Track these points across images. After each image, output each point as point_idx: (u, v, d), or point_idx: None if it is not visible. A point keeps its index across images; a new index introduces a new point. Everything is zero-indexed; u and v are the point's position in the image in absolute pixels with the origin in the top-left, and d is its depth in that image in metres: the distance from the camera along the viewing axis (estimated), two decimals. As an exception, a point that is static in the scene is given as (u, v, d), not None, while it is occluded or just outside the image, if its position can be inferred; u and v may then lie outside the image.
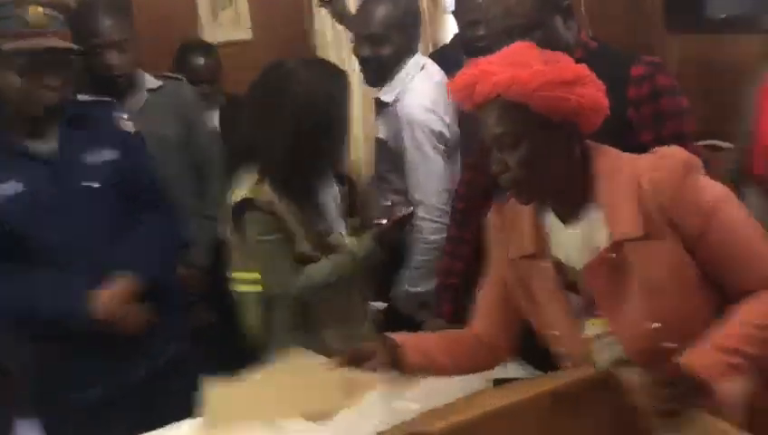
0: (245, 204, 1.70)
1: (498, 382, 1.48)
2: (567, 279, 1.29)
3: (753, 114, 1.74)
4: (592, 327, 1.28)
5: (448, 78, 2.22)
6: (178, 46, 2.67)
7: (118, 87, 2.15)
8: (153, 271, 1.84)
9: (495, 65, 1.19)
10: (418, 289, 2.08)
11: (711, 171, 1.41)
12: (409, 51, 2.18)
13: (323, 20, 3.12)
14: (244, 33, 2.99)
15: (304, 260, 1.74)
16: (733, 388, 1.08)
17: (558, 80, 1.15)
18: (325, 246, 1.77)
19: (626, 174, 1.21)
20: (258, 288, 1.79)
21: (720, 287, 1.22)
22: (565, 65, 1.19)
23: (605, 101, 1.20)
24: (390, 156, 2.17)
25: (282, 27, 3.10)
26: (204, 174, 2.37)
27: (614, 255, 1.20)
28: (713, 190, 1.21)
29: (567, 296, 1.29)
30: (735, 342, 1.11)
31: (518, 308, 1.38)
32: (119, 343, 1.79)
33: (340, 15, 2.66)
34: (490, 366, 1.47)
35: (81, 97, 1.86)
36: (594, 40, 1.65)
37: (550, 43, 1.50)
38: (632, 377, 1.17)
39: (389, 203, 1.97)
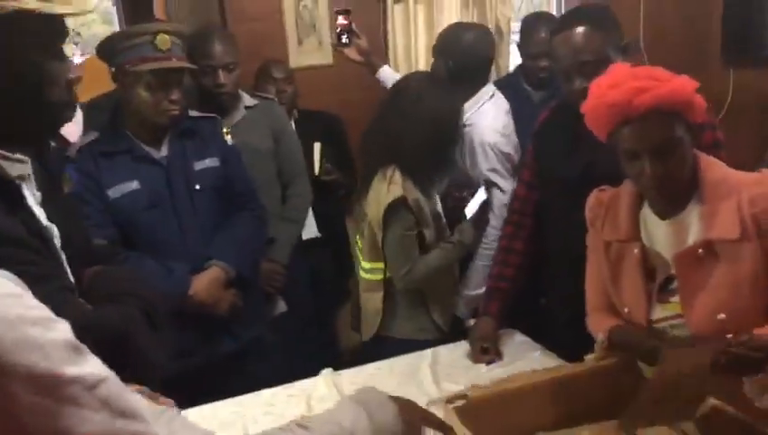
0: (400, 202, 1.91)
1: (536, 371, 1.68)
2: (650, 265, 1.42)
3: None
4: (663, 311, 1.41)
5: (510, 105, 2.45)
6: (260, 65, 2.88)
7: (222, 104, 2.42)
8: (242, 263, 2.08)
9: (645, 81, 1.28)
10: (475, 293, 2.22)
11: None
12: (483, 79, 2.40)
13: (397, 44, 3.34)
14: (326, 58, 3.21)
15: (427, 250, 1.99)
16: None
17: (695, 87, 1.30)
18: (440, 234, 2.03)
19: (730, 184, 1.32)
20: (381, 277, 2.02)
21: None
22: (685, 78, 1.31)
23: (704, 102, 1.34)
24: (458, 174, 2.33)
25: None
26: (287, 181, 2.60)
27: (701, 250, 1.32)
28: None
29: (645, 281, 1.41)
30: None
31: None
32: (210, 323, 2.04)
33: (366, 52, 2.78)
34: None
35: (192, 113, 2.14)
36: None
37: None
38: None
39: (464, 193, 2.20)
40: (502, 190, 2.27)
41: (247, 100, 2.54)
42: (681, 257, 1.35)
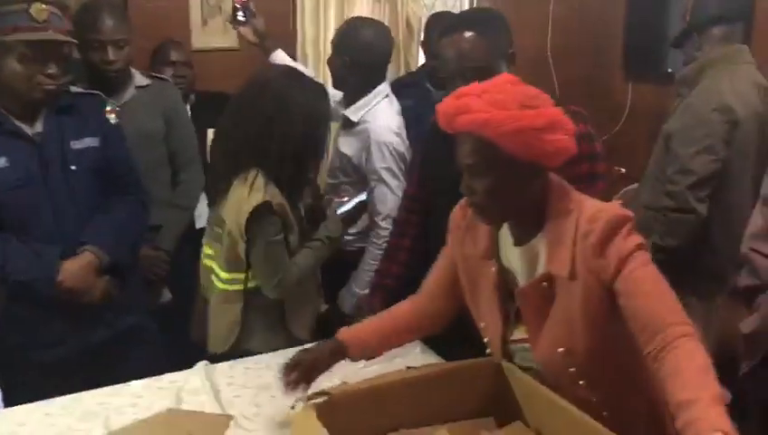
0: (264, 208, 1.78)
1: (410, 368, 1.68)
2: (507, 283, 1.41)
3: None
4: (518, 332, 1.41)
5: (409, 104, 2.46)
6: (157, 45, 2.80)
7: (110, 82, 2.30)
8: (118, 249, 1.99)
9: (475, 100, 1.25)
10: (366, 291, 2.22)
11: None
12: (380, 77, 2.39)
13: (307, 33, 3.31)
14: (231, 41, 3.11)
15: (292, 253, 1.88)
16: None
17: (529, 126, 1.22)
18: (304, 237, 1.93)
19: (571, 220, 1.29)
20: (241, 287, 1.89)
21: (629, 328, 1.24)
22: (541, 111, 1.25)
23: (572, 145, 1.28)
24: (351, 170, 2.36)
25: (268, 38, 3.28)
26: (178, 166, 2.51)
27: (545, 284, 1.31)
28: (634, 241, 1.24)
29: (502, 299, 1.41)
30: (715, 387, 1.08)
31: (460, 292, 1.50)
32: (81, 310, 1.94)
33: (262, 34, 2.69)
34: (433, 330, 1.61)
35: (73, 88, 2.02)
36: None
37: None
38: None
39: (345, 197, 2.18)
40: (392, 191, 2.26)
41: (139, 79, 2.44)
42: (524, 291, 1.35)
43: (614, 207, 1.30)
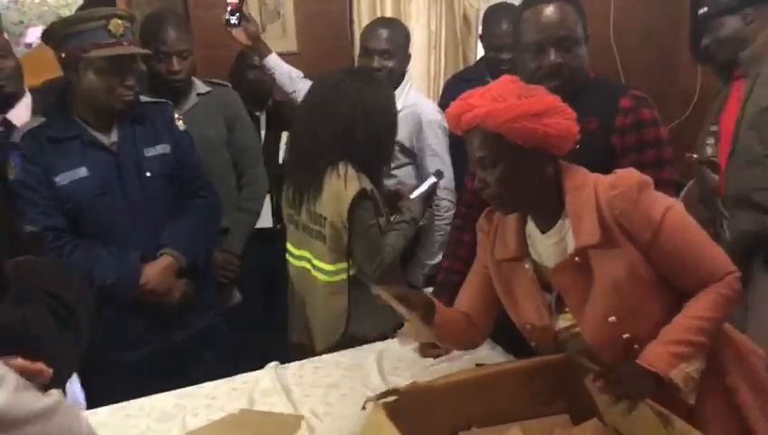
0: (362, 195, 1.90)
1: (480, 366, 1.65)
2: (543, 279, 1.44)
3: None
4: (563, 321, 1.43)
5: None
6: (239, 52, 2.86)
7: (174, 90, 2.39)
8: (194, 252, 2.07)
9: (477, 98, 1.33)
10: (434, 261, 2.40)
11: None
12: (406, 67, 2.56)
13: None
14: (290, 45, 3.17)
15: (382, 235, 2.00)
16: (679, 374, 1.25)
17: (528, 112, 1.29)
18: (387, 220, 2.03)
19: (588, 191, 1.35)
20: (345, 276, 1.98)
21: (674, 286, 1.35)
22: (538, 99, 1.33)
23: (574, 128, 1.34)
24: (405, 154, 2.48)
25: (325, 40, 3.28)
26: (242, 170, 2.57)
27: (578, 259, 1.35)
28: (661, 204, 1.34)
29: (541, 294, 1.44)
30: (681, 332, 1.28)
31: (497, 300, 1.54)
32: (161, 312, 2.03)
33: (255, 37, 2.70)
34: (474, 345, 1.64)
35: (142, 98, 2.10)
36: (592, 71, 1.77)
37: (582, 62, 1.68)
38: (589, 364, 1.36)
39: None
40: (446, 165, 2.46)
41: (200, 86, 2.51)
42: (558, 270, 1.39)
43: (632, 173, 1.36)
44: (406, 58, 2.56)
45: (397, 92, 2.38)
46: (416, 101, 2.51)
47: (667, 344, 1.28)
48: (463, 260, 1.95)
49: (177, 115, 2.15)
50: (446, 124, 2.36)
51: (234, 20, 2.67)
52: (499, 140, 1.32)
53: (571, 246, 1.38)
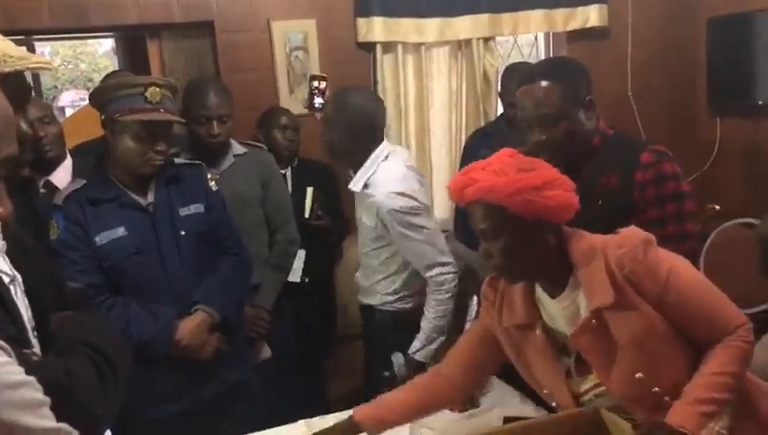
0: None
1: (508, 420, 1.68)
2: (557, 343, 1.47)
3: None
4: (585, 383, 1.45)
5: (484, 151, 2.50)
6: (266, 111, 2.98)
7: (213, 152, 2.49)
8: (227, 307, 2.11)
9: (479, 172, 1.39)
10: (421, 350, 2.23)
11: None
12: (376, 141, 2.29)
13: (387, 96, 3.37)
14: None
15: None
16: (709, 434, 1.27)
17: (528, 186, 1.34)
18: None
19: (596, 253, 1.38)
20: None
21: (690, 338, 1.38)
22: (537, 173, 1.37)
23: (573, 199, 1.38)
24: (376, 236, 2.31)
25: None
26: (275, 227, 2.64)
27: (594, 321, 1.37)
28: (666, 260, 1.37)
29: (557, 359, 1.47)
30: (706, 391, 1.31)
31: (486, 362, 1.62)
32: (194, 366, 2.05)
33: None
34: (461, 402, 1.71)
35: (177, 160, 2.19)
36: (611, 129, 1.81)
37: (575, 132, 1.71)
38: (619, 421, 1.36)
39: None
40: (424, 241, 2.23)
41: (237, 148, 2.60)
42: (576, 335, 1.40)
43: (636, 231, 1.40)
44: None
45: (359, 174, 2.27)
46: (375, 185, 2.25)
47: (695, 404, 1.30)
48: None
49: (209, 176, 2.23)
50: (409, 203, 2.19)
51: (318, 104, 2.90)
52: (501, 213, 1.36)
53: (583, 309, 1.40)
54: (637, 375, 1.35)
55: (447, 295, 2.22)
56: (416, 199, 2.22)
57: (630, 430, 1.34)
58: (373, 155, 2.28)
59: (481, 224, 1.40)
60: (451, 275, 2.22)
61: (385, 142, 2.33)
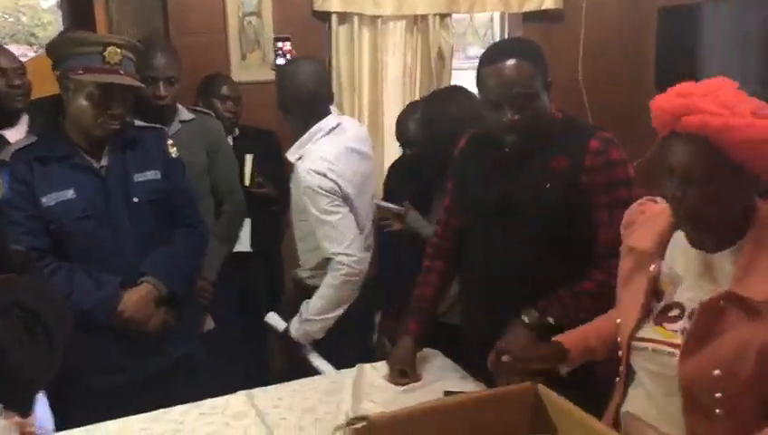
0: None
1: (448, 394, 1.71)
2: (659, 286, 1.37)
3: None
4: (654, 332, 1.35)
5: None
6: (206, 78, 2.90)
7: (159, 116, 2.41)
8: (176, 281, 2.06)
9: (704, 101, 1.19)
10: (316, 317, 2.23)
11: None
12: (316, 114, 2.25)
13: (341, 69, 3.39)
14: (269, 74, 3.19)
15: None
16: None
17: (766, 138, 1.17)
18: None
19: None
20: None
21: None
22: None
23: None
24: (300, 209, 2.31)
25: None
26: (221, 197, 2.60)
27: (723, 302, 1.24)
28: None
29: (649, 298, 1.36)
30: None
31: None
32: (138, 339, 2.00)
33: None
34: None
35: (137, 123, 2.11)
36: (560, 111, 1.82)
37: (542, 111, 1.71)
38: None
39: None
40: (333, 227, 2.21)
41: (184, 113, 2.54)
42: (707, 304, 1.26)
43: None
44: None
45: (294, 146, 2.27)
46: (303, 160, 2.23)
47: None
48: (433, 286, 2.00)
49: (170, 142, 2.16)
50: (326, 185, 2.17)
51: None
52: (721, 157, 1.19)
53: (720, 281, 1.27)
54: (715, 372, 1.23)
55: (337, 282, 2.19)
56: (335, 183, 2.18)
57: (568, 405, 1.35)
58: (314, 128, 2.24)
59: (689, 162, 1.21)
60: (347, 269, 2.18)
61: (331, 117, 2.28)
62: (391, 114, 3.57)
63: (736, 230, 1.28)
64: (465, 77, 3.91)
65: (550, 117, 1.75)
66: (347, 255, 2.19)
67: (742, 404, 1.24)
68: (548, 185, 1.72)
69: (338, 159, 2.22)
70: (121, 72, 1.92)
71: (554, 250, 1.73)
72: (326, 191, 2.18)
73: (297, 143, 2.26)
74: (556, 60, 1.74)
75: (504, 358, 1.55)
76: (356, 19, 3.36)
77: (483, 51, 1.86)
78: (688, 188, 1.24)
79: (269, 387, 1.87)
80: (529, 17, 3.74)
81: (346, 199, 2.23)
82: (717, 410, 1.24)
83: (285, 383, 1.89)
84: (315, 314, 2.23)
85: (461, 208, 1.95)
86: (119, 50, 1.91)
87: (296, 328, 2.28)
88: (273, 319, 2.36)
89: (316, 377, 1.91)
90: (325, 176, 2.17)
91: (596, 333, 1.56)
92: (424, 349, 1.99)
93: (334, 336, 2.28)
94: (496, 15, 3.93)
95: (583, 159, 1.70)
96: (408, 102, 3.12)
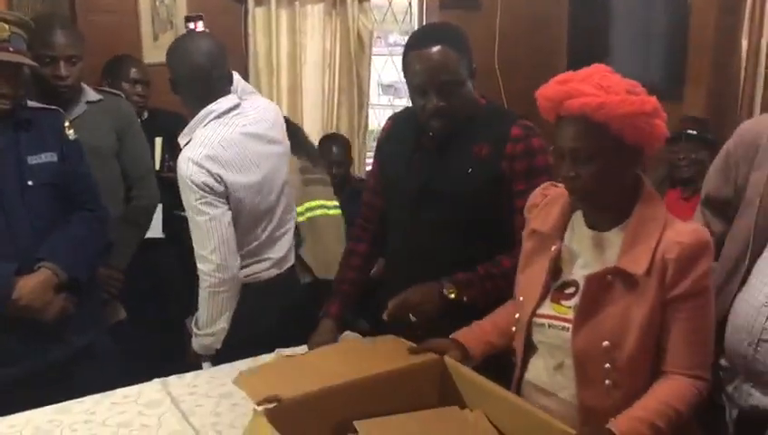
0: None
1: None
2: (558, 265, 1.45)
3: None
4: (551, 309, 1.43)
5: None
6: (113, 59, 2.81)
7: (62, 97, 2.29)
8: (76, 266, 1.97)
9: (583, 85, 1.29)
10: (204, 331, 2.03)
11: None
12: (202, 96, 2.02)
13: (259, 48, 3.35)
14: None
15: None
16: None
17: (640, 110, 1.27)
18: None
19: (657, 225, 1.32)
20: None
21: (657, 355, 1.35)
22: (645, 97, 1.30)
23: (666, 131, 1.33)
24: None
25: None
26: (131, 182, 2.51)
27: (610, 277, 1.33)
28: (708, 280, 1.32)
29: (549, 277, 1.44)
30: (655, 416, 1.27)
31: None
32: (37, 328, 1.91)
33: None
34: None
35: (31, 103, 2.01)
36: (483, 98, 1.84)
37: (467, 98, 1.73)
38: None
39: None
40: (198, 227, 1.98)
41: (90, 94, 2.44)
42: (591, 279, 1.36)
43: (702, 232, 1.34)
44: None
45: (185, 129, 2.04)
46: (187, 146, 2.00)
47: (642, 422, 1.26)
48: (355, 268, 2.01)
49: (67, 124, 2.07)
50: (199, 178, 1.92)
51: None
52: (603, 133, 1.28)
53: (609, 258, 1.36)
54: (604, 343, 1.33)
55: (205, 295, 2.00)
56: (211, 176, 1.94)
57: (473, 376, 1.41)
58: (205, 111, 2.00)
59: (576, 142, 1.30)
60: (208, 280, 1.98)
61: (228, 98, 2.04)
62: (310, 98, 3.56)
63: (627, 208, 1.37)
64: (384, 63, 3.93)
65: (474, 103, 1.77)
66: (208, 262, 1.96)
67: (629, 376, 1.34)
68: (469, 171, 1.74)
69: (227, 145, 1.99)
70: (10, 49, 1.82)
71: (475, 235, 1.76)
72: (197, 186, 1.92)
73: (188, 127, 2.03)
74: (474, 47, 1.77)
75: (412, 318, 1.62)
76: (273, 1, 3.32)
77: (402, 38, 1.85)
78: (578, 168, 1.32)
79: (185, 374, 1.83)
80: (446, 4, 3.80)
81: (225, 195, 1.98)
82: (606, 381, 1.34)
83: (202, 370, 1.86)
84: (202, 329, 2.04)
85: (383, 191, 1.96)
86: (6, 25, 1.82)
87: (194, 341, 2.10)
88: (190, 324, 2.19)
89: (231, 363, 1.88)
90: (201, 166, 1.93)
91: (494, 328, 1.61)
92: (345, 331, 1.99)
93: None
94: (415, 2, 3.95)
95: (504, 146, 1.73)
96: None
